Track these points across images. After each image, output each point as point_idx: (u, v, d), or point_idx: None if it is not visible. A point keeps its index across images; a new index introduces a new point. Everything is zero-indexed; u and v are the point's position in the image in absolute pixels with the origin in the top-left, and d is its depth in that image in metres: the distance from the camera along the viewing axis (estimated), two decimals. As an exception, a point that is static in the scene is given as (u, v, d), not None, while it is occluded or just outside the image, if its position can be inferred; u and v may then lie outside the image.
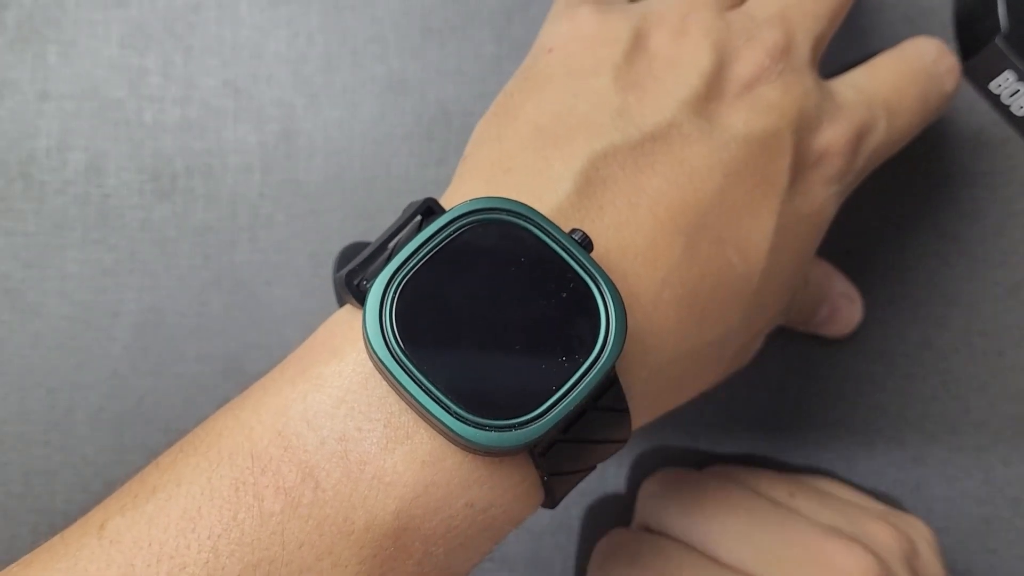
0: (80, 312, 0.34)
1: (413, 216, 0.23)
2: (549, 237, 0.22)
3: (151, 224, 0.34)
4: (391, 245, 0.23)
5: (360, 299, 0.22)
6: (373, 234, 0.34)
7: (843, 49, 0.33)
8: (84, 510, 0.33)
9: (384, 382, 0.22)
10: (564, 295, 0.22)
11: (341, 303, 0.24)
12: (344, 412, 0.21)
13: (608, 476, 0.34)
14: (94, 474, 0.33)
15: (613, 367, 0.22)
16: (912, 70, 0.30)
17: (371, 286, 0.21)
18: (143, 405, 0.33)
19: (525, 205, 0.22)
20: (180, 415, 0.33)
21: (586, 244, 0.22)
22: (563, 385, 0.21)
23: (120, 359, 0.33)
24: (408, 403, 0.21)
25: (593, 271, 0.22)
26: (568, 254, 0.22)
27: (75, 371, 0.33)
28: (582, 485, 0.33)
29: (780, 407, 0.34)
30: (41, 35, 0.35)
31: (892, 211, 0.35)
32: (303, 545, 0.21)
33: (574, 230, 0.23)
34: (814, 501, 0.30)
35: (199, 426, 0.23)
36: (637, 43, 0.27)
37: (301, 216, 0.34)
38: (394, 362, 0.21)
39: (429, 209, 0.23)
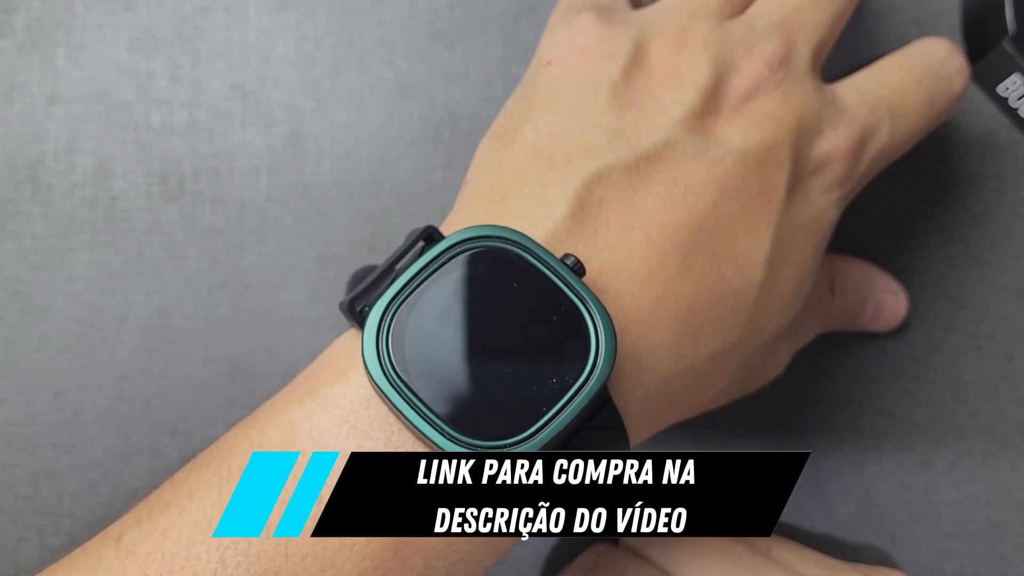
0: (88, 315, 0.34)
1: (414, 243, 0.24)
2: (541, 263, 0.23)
3: (159, 227, 0.34)
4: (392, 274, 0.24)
5: (361, 325, 0.23)
6: (378, 236, 0.34)
7: (850, 52, 0.33)
8: (91, 512, 0.33)
9: (384, 403, 0.22)
10: (555, 319, 0.22)
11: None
12: (347, 431, 0.22)
13: (615, 480, 0.34)
14: (101, 476, 0.33)
15: (604, 388, 0.22)
16: (918, 72, 0.29)
17: (369, 312, 0.22)
18: (150, 408, 0.33)
19: (518, 232, 0.23)
20: (187, 418, 0.33)
21: (578, 269, 0.23)
22: (553, 407, 0.22)
23: (127, 362, 0.34)
24: (405, 425, 0.22)
25: (583, 295, 0.23)
26: (559, 279, 0.23)
27: (82, 374, 0.33)
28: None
29: (787, 410, 0.34)
30: (50, 38, 0.35)
31: (899, 214, 0.35)
32: (306, 557, 0.21)
33: (566, 255, 0.23)
34: (792, 553, 0.31)
35: (213, 444, 0.24)
36: (636, 57, 0.27)
37: (308, 219, 0.34)
38: (390, 387, 0.22)
39: (429, 237, 0.24)
